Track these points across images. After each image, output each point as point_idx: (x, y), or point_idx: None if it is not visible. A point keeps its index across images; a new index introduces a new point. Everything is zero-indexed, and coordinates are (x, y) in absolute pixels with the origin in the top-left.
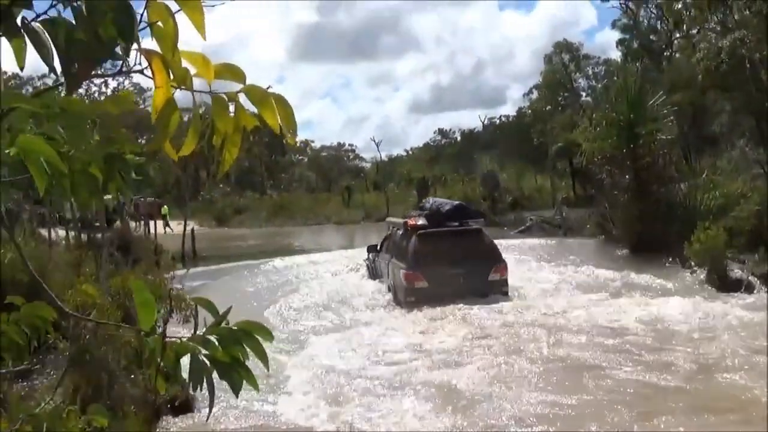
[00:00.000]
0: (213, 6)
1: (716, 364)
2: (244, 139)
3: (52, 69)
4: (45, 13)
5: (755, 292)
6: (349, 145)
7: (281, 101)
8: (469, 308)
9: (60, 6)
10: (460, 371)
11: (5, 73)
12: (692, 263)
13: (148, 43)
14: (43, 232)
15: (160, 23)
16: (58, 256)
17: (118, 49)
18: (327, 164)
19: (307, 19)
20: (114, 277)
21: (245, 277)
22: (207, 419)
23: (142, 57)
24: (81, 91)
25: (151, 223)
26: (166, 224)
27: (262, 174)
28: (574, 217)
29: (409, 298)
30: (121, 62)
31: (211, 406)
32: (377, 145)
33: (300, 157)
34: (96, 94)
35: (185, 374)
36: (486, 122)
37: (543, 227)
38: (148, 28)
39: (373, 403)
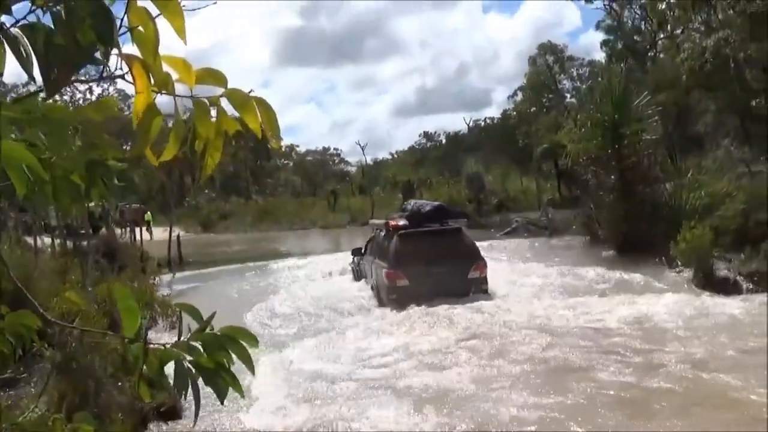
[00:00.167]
0: (193, 10)
1: (704, 364)
2: (228, 144)
3: (30, 75)
4: (24, 18)
5: (744, 291)
6: (335, 149)
7: (263, 105)
8: (453, 308)
9: (39, 11)
10: (443, 374)
11: None
12: (678, 263)
13: (130, 48)
14: (29, 239)
15: (140, 28)
16: (44, 263)
17: (98, 54)
18: (312, 168)
19: (290, 24)
20: (100, 284)
21: (230, 282)
22: (194, 425)
23: (123, 62)
24: (66, 98)
25: (137, 229)
26: (149, 231)
27: (248, 179)
28: (559, 218)
29: (390, 296)
30: (101, 67)
31: (197, 412)
32: (362, 148)
33: (285, 162)
34: (81, 101)
35: (172, 381)
36: (471, 124)
37: (529, 228)
38: (128, 33)
39: (353, 407)
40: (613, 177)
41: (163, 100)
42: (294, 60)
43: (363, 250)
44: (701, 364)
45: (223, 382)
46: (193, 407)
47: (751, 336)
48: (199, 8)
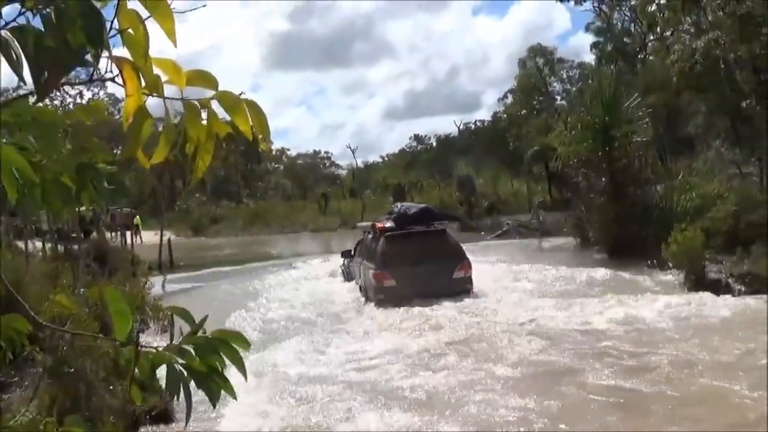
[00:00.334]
0: (183, 12)
1: (696, 366)
2: (219, 147)
3: (21, 78)
4: (14, 20)
5: (735, 293)
6: (325, 152)
7: (254, 107)
8: (442, 310)
9: (29, 14)
10: (430, 377)
11: None
12: (670, 265)
13: (121, 51)
14: (20, 243)
15: (130, 30)
16: (35, 267)
17: (88, 57)
18: (303, 172)
19: (280, 27)
20: (91, 288)
21: (219, 285)
22: (185, 427)
23: (114, 65)
24: (56, 102)
25: (128, 233)
26: (138, 235)
27: (238, 182)
28: (550, 220)
29: (378, 297)
30: (92, 70)
31: (188, 416)
32: (353, 152)
33: (276, 165)
34: (71, 105)
35: (164, 384)
36: (461, 127)
37: (520, 231)
38: (119, 36)
39: (335, 409)
40: (603, 179)
41: (153, 103)
42: (284, 63)
43: (352, 252)
44: (693, 366)
45: (215, 385)
46: (199, 409)
47: (744, 338)
48: (189, 10)
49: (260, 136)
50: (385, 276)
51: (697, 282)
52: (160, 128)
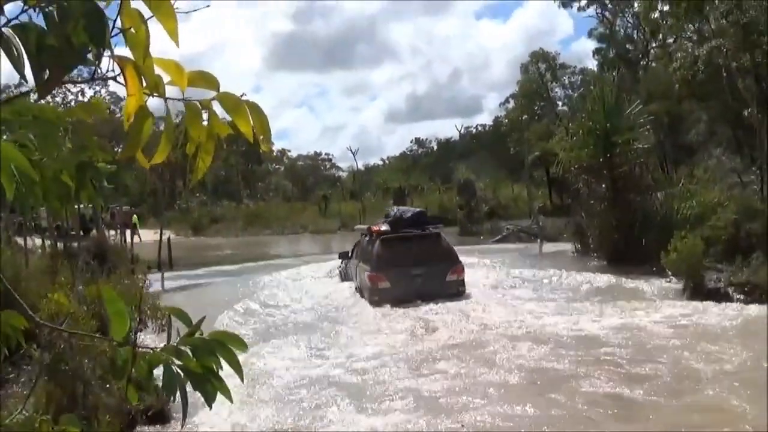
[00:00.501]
0: (186, 13)
1: (693, 375)
2: (220, 148)
3: (22, 75)
4: (16, 18)
5: (734, 302)
6: (326, 154)
7: (255, 109)
8: (437, 314)
9: (31, 11)
10: (423, 381)
11: None
12: (669, 272)
13: (124, 51)
14: (20, 240)
15: (133, 30)
16: (34, 264)
17: (90, 56)
18: (303, 173)
19: (283, 28)
20: (90, 286)
21: (217, 283)
22: (181, 428)
23: (116, 64)
24: (58, 99)
25: (128, 232)
26: (136, 234)
27: (239, 183)
28: (550, 226)
29: (373, 298)
30: (93, 69)
31: (184, 416)
32: (354, 154)
33: (276, 166)
34: (73, 103)
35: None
36: (462, 131)
37: (520, 236)
38: (121, 36)
39: (323, 411)
40: (604, 186)
41: (155, 103)
42: (286, 64)
43: (350, 254)
44: (692, 375)
45: (211, 387)
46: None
47: (743, 346)
48: (192, 11)
49: (261, 138)
50: (380, 278)
51: (696, 290)
52: (161, 128)
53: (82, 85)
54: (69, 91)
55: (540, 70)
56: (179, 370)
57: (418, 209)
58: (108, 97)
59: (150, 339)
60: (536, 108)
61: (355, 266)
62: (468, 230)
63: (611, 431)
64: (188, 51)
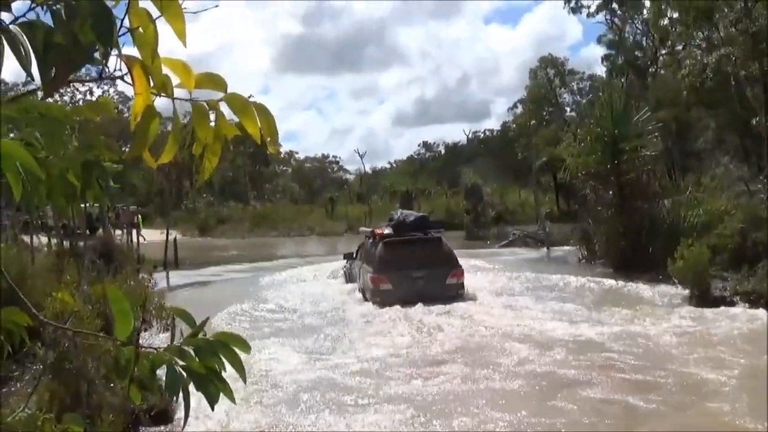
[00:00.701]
0: (195, 13)
1: (697, 385)
2: (227, 149)
3: (29, 73)
4: (23, 15)
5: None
6: (333, 156)
7: (262, 110)
8: (440, 317)
9: (39, 9)
10: (422, 385)
11: None
12: (675, 280)
13: (132, 51)
14: (27, 238)
15: (141, 29)
16: (40, 263)
17: (97, 55)
18: (311, 175)
19: (292, 30)
20: (95, 285)
21: (221, 283)
22: (182, 428)
23: (123, 63)
24: (66, 98)
25: (134, 231)
26: (139, 234)
27: (246, 184)
28: (557, 231)
29: (375, 299)
30: (101, 68)
31: (186, 417)
32: (361, 157)
33: (284, 168)
34: (81, 102)
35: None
36: (470, 136)
37: (526, 241)
38: (129, 35)
39: (327, 415)
40: (611, 192)
41: (162, 103)
42: (295, 66)
43: (354, 255)
44: (695, 384)
45: (214, 388)
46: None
47: (747, 355)
48: (201, 11)
49: (268, 139)
50: (382, 280)
51: (702, 298)
52: (169, 128)
53: (91, 85)
54: (77, 90)
55: (549, 75)
56: (182, 371)
57: (420, 214)
58: (116, 97)
59: (155, 339)
60: (544, 113)
61: (359, 267)
62: (474, 235)
63: None
64: (197, 51)
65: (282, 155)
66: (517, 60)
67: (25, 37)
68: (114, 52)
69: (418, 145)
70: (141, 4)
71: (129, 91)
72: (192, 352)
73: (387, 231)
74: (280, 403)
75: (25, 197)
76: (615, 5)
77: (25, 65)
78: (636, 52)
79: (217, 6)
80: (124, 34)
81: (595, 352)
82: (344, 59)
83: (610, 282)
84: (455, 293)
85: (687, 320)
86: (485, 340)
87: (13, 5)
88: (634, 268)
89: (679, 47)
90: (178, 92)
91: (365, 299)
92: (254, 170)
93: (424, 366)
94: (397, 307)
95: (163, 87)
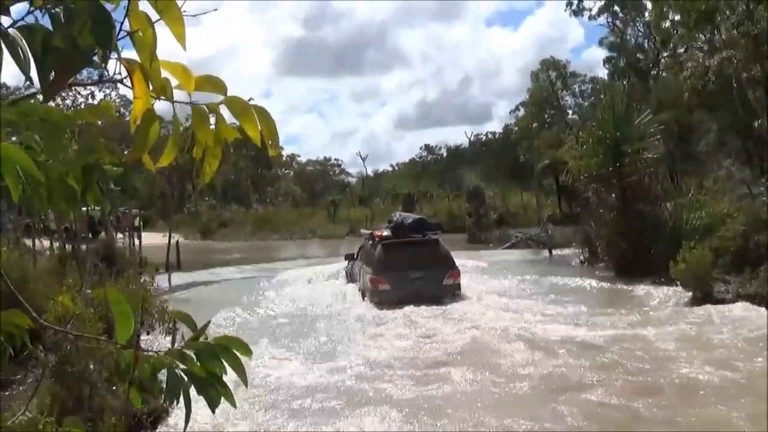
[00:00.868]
0: (194, 16)
1: (697, 386)
2: (227, 152)
3: (28, 77)
4: (22, 19)
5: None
6: (335, 159)
7: (263, 113)
8: (439, 319)
9: (38, 13)
10: (426, 388)
11: None
12: (677, 283)
13: (131, 54)
14: (28, 242)
15: (140, 32)
16: (42, 266)
17: (96, 58)
18: (313, 178)
19: (293, 33)
20: (97, 288)
21: (224, 285)
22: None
23: (123, 67)
24: (68, 102)
25: (135, 234)
26: (138, 236)
27: (248, 187)
28: (559, 234)
29: (374, 299)
30: (100, 71)
31: (187, 421)
32: (363, 160)
33: (286, 171)
34: (83, 105)
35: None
36: (472, 139)
37: (528, 244)
38: (128, 39)
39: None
40: (613, 195)
41: (162, 106)
42: (296, 70)
43: (355, 256)
44: (696, 387)
45: (215, 392)
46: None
47: (748, 357)
48: (200, 14)
49: (269, 142)
50: (381, 280)
51: (704, 301)
52: (171, 131)
53: (93, 88)
54: (79, 94)
55: (550, 78)
56: (183, 374)
57: (418, 216)
58: (118, 100)
59: (157, 343)
60: (546, 116)
61: (359, 268)
62: (477, 238)
63: None
64: (199, 55)
65: (284, 158)
66: (518, 62)
67: (24, 40)
68: (113, 55)
69: (420, 148)
70: (141, 7)
71: (131, 94)
72: (193, 356)
73: (386, 233)
74: (278, 402)
75: (24, 200)
76: (616, 8)
77: (24, 69)
78: (638, 55)
79: (216, 9)
80: (123, 37)
81: (596, 355)
82: (345, 62)
83: (612, 284)
84: (452, 293)
85: (688, 323)
86: (486, 342)
87: (12, 9)
88: (636, 270)
89: (681, 50)
90: (178, 95)
91: (364, 299)
92: (256, 173)
93: (425, 368)
94: (398, 308)
95: (163, 90)
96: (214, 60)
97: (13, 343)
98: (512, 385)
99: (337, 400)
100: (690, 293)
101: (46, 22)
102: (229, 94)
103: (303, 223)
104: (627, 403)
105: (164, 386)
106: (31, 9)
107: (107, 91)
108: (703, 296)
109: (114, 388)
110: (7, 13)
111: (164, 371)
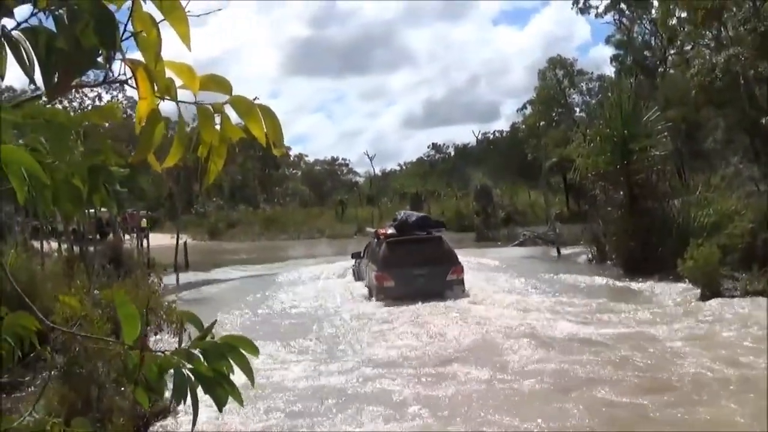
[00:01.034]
0: (198, 16)
1: (705, 383)
2: (233, 152)
3: (32, 79)
4: (26, 21)
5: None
6: (343, 159)
7: (268, 113)
8: (447, 317)
9: (41, 14)
10: (434, 387)
11: None
12: (685, 280)
13: (136, 55)
14: (37, 244)
15: (144, 33)
16: (50, 268)
17: (101, 59)
18: (320, 178)
19: (299, 33)
20: (105, 289)
21: (232, 284)
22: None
23: (127, 67)
24: (75, 104)
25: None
26: (144, 237)
27: (256, 188)
28: (567, 232)
29: (379, 296)
30: (105, 72)
31: (194, 420)
32: (371, 159)
33: (293, 171)
34: (89, 107)
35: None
36: (479, 137)
37: (536, 242)
38: (133, 39)
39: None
40: (621, 192)
41: (170, 107)
42: (303, 69)
43: (362, 254)
44: (703, 384)
45: (222, 391)
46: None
47: (757, 356)
48: (204, 14)
49: (273, 142)
50: (386, 277)
51: (713, 298)
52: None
53: (100, 90)
54: (86, 95)
55: (557, 76)
56: (190, 374)
57: (422, 214)
58: (125, 101)
59: (165, 344)
60: (553, 114)
61: (365, 266)
62: (485, 236)
63: None
64: (205, 55)
65: (291, 158)
66: (525, 61)
67: (27, 42)
68: (118, 56)
69: (428, 147)
70: (145, 8)
71: (137, 95)
72: (200, 355)
73: (390, 231)
74: (284, 399)
75: (30, 202)
76: (623, 5)
77: (28, 71)
78: (645, 52)
79: (220, 9)
80: (127, 38)
81: (604, 352)
82: (352, 62)
83: (620, 282)
84: (455, 289)
85: (697, 320)
86: (494, 339)
87: (15, 11)
88: (643, 268)
89: (688, 47)
90: (183, 95)
91: (371, 296)
92: (264, 174)
93: (433, 366)
94: (405, 305)
95: (167, 90)
96: (221, 61)
97: (21, 345)
98: (520, 382)
99: (344, 399)
100: (698, 290)
101: (49, 24)
102: (234, 94)
103: (311, 223)
104: (635, 401)
105: (171, 386)
106: (35, 11)
107: (114, 92)
108: (712, 293)
109: (122, 388)
110: (11, 16)
111: (172, 371)
